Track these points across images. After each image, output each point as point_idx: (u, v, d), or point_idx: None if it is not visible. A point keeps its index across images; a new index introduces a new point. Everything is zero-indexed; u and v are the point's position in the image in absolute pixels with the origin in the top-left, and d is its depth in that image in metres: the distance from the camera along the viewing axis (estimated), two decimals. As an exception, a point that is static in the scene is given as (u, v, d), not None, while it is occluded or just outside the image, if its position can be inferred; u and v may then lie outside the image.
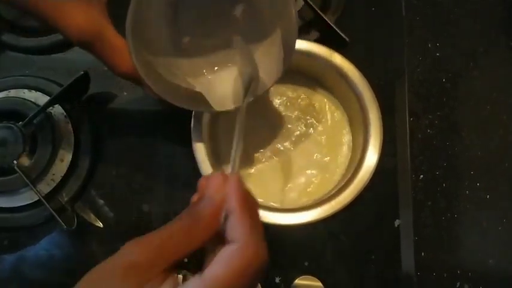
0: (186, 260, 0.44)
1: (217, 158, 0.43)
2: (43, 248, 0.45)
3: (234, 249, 0.24)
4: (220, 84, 0.36)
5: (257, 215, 0.27)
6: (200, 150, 0.39)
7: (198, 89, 0.36)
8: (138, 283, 0.23)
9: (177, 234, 0.25)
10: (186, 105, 0.35)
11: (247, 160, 0.43)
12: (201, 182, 0.29)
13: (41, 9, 0.30)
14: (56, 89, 0.46)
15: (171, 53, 0.35)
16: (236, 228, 0.25)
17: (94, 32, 0.32)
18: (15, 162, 0.43)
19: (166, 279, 0.24)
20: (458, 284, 0.44)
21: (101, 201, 0.46)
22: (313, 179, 0.43)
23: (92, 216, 0.46)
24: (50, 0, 0.30)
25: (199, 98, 0.35)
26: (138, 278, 0.23)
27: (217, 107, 0.36)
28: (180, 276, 0.25)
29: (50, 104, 0.44)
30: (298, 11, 0.48)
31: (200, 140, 0.39)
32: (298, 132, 0.43)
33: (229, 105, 0.36)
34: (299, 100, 0.44)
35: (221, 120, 0.44)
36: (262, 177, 0.43)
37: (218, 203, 0.26)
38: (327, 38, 0.47)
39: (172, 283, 0.24)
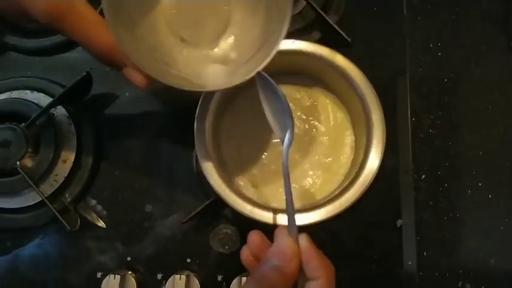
0: (189, 260, 0.44)
1: (220, 158, 0.43)
2: (46, 248, 0.45)
3: None
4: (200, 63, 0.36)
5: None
6: (203, 150, 0.38)
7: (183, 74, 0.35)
8: None
9: None
10: (175, 84, 0.33)
11: (250, 161, 0.43)
12: (254, 238, 0.30)
13: None
14: (58, 90, 0.46)
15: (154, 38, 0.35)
16: None
17: (64, 4, 0.29)
18: (18, 163, 0.43)
19: None
20: (460, 283, 0.45)
21: (104, 202, 0.46)
22: (316, 180, 0.43)
23: (95, 216, 0.46)
24: None
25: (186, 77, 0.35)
26: None
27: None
28: None
29: (52, 105, 0.44)
30: (299, 12, 0.48)
31: (203, 140, 0.38)
32: (301, 133, 0.44)
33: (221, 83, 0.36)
34: (302, 101, 0.44)
35: (224, 121, 0.44)
36: (265, 179, 0.43)
37: (290, 274, 0.28)
38: (328, 39, 0.47)
39: None
